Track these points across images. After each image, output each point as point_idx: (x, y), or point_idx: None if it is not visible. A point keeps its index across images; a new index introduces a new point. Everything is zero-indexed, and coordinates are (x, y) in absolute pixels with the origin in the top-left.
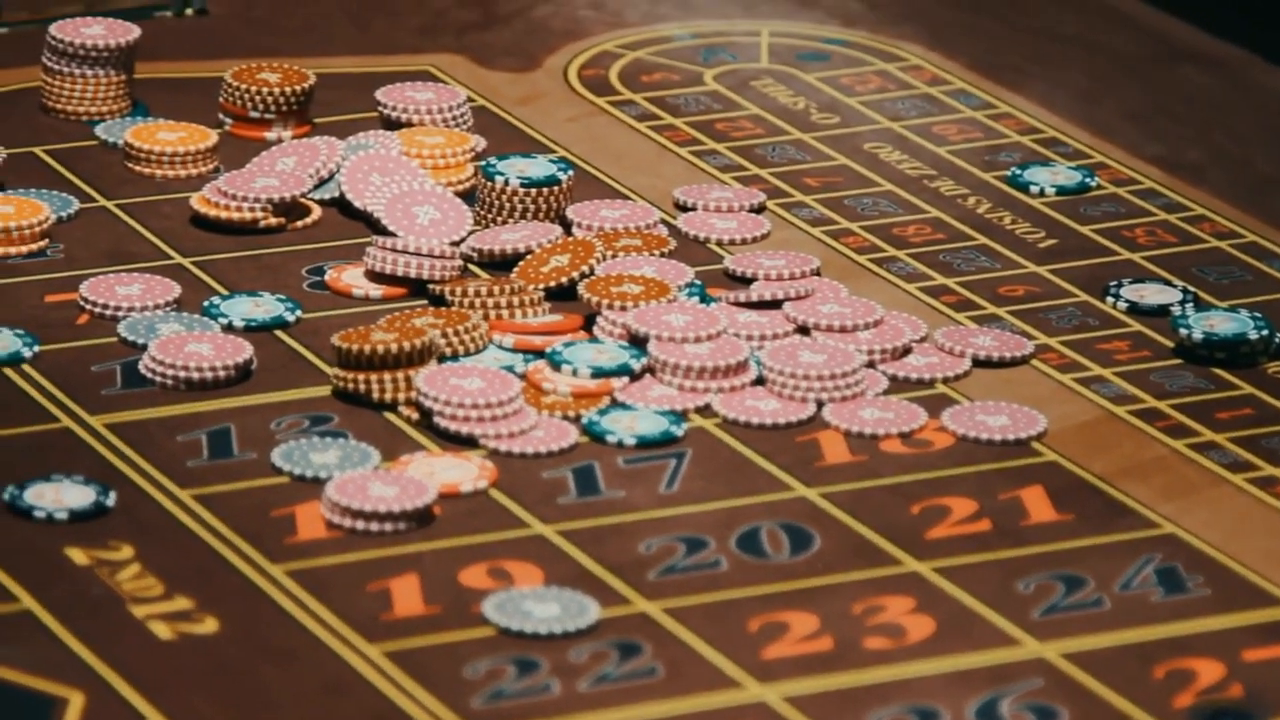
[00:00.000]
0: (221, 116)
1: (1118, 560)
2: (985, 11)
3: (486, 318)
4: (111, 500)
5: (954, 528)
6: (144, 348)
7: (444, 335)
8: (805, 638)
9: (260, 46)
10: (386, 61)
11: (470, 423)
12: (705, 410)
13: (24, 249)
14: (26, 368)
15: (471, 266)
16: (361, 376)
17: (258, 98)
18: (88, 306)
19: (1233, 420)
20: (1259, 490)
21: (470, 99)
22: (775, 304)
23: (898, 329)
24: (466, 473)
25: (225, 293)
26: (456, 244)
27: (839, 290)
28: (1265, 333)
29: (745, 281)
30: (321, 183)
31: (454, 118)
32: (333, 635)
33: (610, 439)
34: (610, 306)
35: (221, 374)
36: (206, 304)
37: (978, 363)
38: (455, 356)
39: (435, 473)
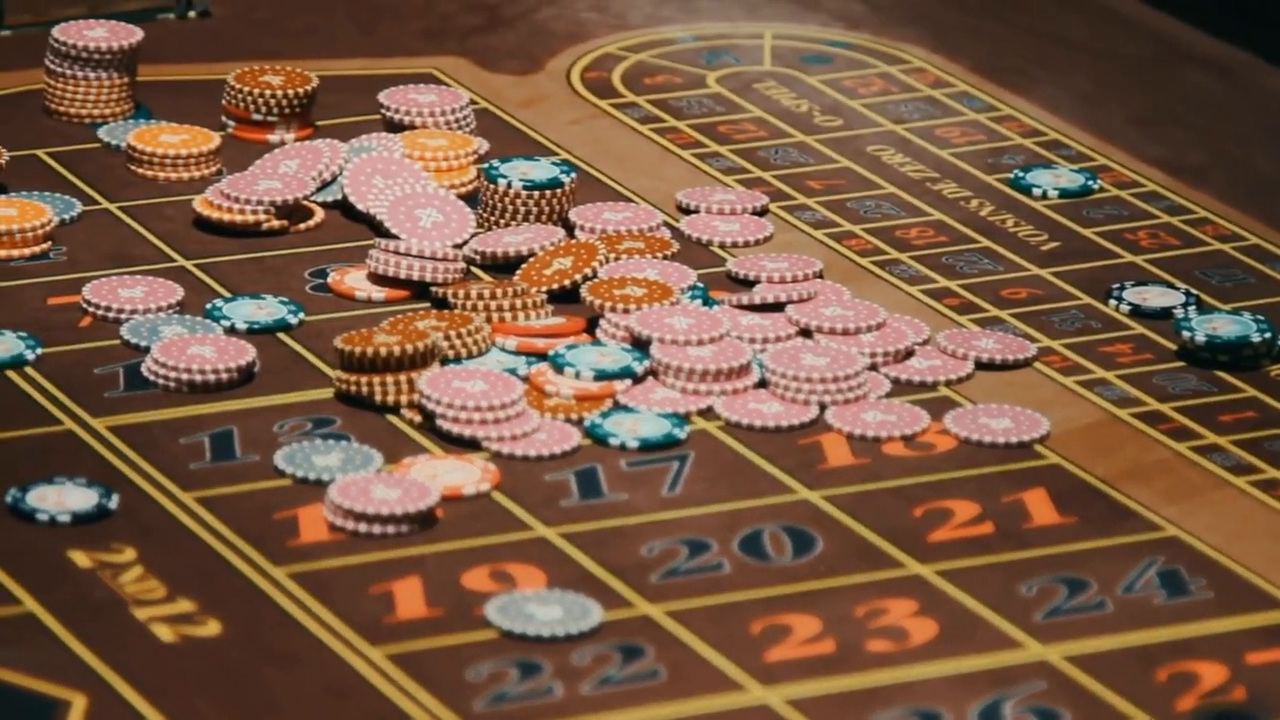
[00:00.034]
0: (224, 119)
1: (1120, 563)
2: (988, 14)
3: (489, 320)
4: (114, 503)
5: (956, 530)
6: (147, 350)
7: (446, 338)
8: (808, 640)
9: (263, 49)
10: (389, 64)
11: (473, 425)
12: (708, 413)
13: (27, 251)
14: (29, 370)
15: (474, 269)
16: (364, 379)
17: (260, 100)
18: (90, 309)
19: (1235, 423)
20: (1262, 493)
21: (473, 101)
22: (778, 307)
23: (900, 331)
24: (469, 475)
25: (228, 295)
26: (459, 246)
27: (842, 293)
28: (1268, 335)
29: (748, 284)
30: (324, 185)
31: (457, 120)
32: (335, 638)
33: (613, 441)
34: (613, 309)
35: (224, 376)
36: (209, 306)
37: (980, 365)
38: (458, 359)
39: (438, 475)
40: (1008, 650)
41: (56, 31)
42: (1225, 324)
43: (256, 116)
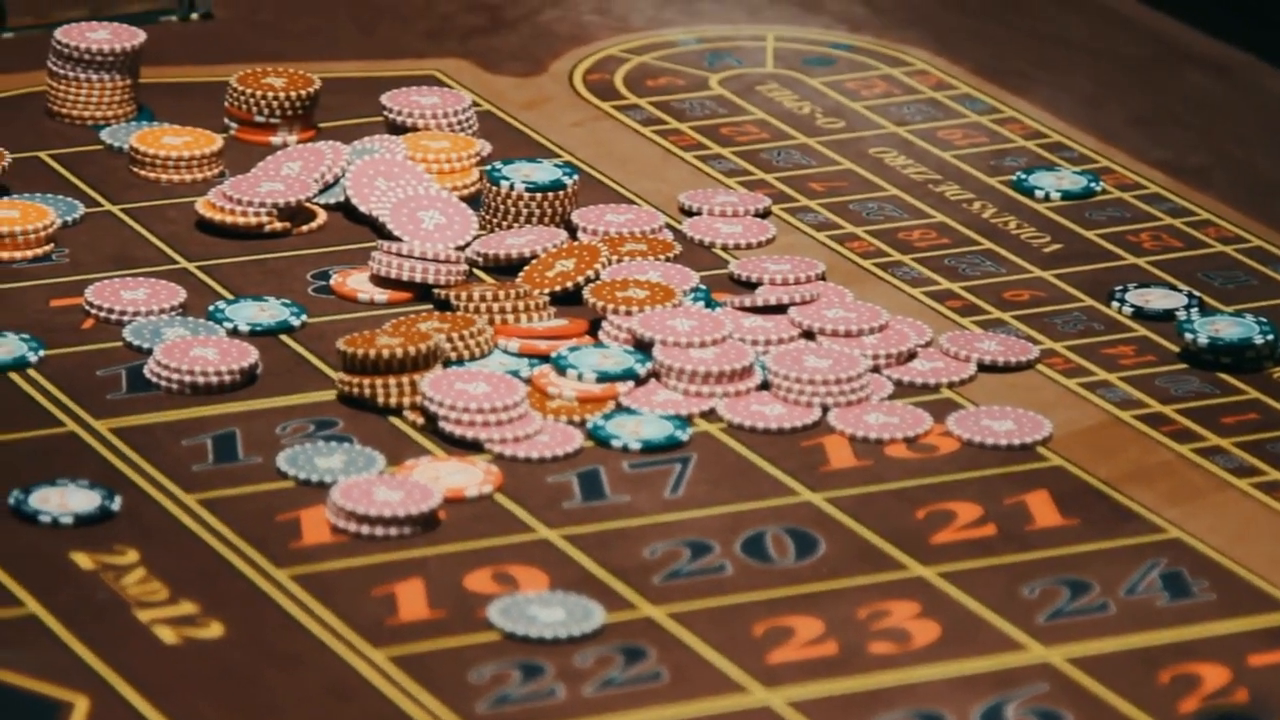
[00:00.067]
0: (227, 121)
1: (1123, 565)
2: (990, 16)
3: (492, 322)
4: (117, 505)
5: (959, 532)
6: (149, 352)
7: (449, 340)
8: (810, 642)
9: (265, 51)
10: (392, 66)
11: (475, 427)
12: (710, 415)
13: (29, 253)
14: (32, 372)
15: (477, 271)
16: (367, 381)
17: (263, 102)
18: (93, 311)
19: (1238, 425)
20: (1264, 495)
21: (475, 104)
22: (780, 309)
23: (903, 334)
24: (471, 477)
25: (230, 297)
26: (462, 248)
27: (844, 295)
28: (1270, 337)
29: (750, 286)
30: (327, 187)
31: (459, 122)
32: (338, 640)
33: (615, 443)
34: (615, 311)
35: (226, 378)
36: (212, 308)
37: (983, 367)
38: (460, 361)
39: (440, 477)
40: (1010, 652)
41: (59, 34)
42: (1228, 326)
43: (259, 118)
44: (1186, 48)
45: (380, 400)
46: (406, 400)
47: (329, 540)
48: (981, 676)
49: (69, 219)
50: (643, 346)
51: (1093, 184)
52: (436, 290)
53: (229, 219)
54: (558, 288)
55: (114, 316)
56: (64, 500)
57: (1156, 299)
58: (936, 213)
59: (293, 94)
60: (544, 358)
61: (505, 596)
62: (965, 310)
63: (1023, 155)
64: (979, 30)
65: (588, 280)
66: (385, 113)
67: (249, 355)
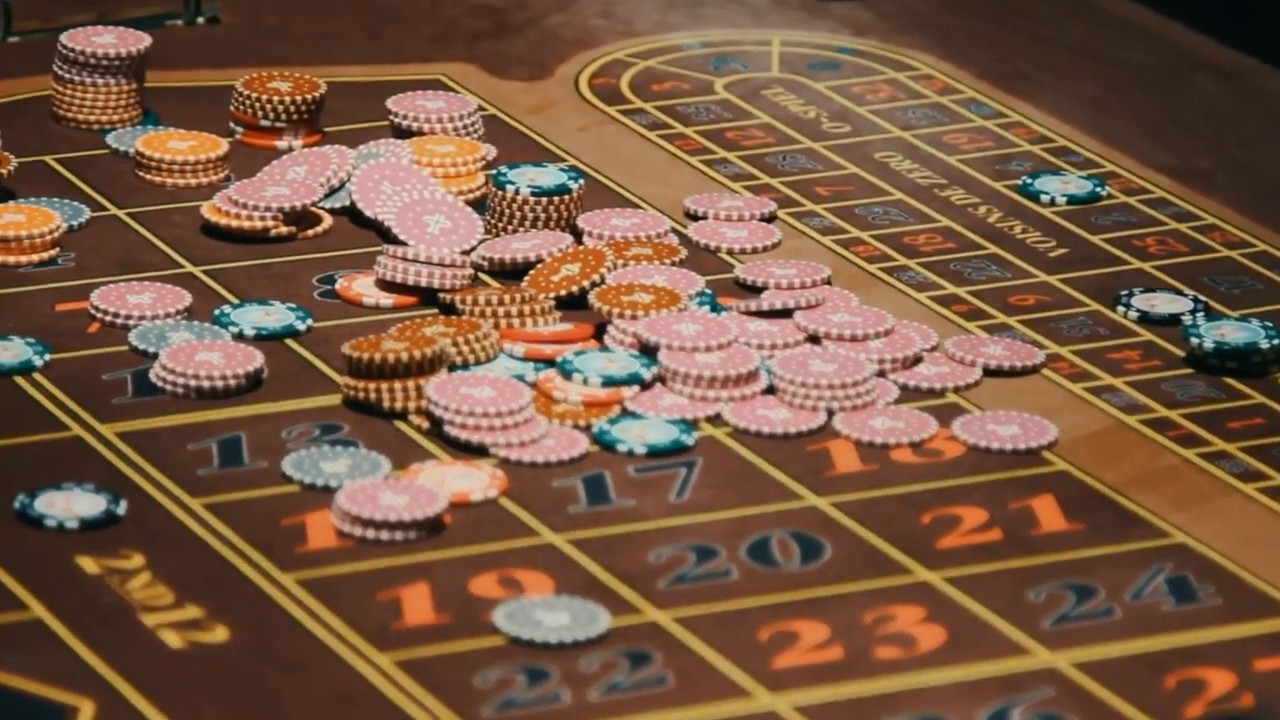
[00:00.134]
0: (232, 125)
1: (1129, 570)
2: (996, 21)
3: (497, 326)
4: (122, 509)
5: (965, 537)
6: (155, 356)
7: (454, 344)
8: (815, 647)
9: (271, 55)
10: (397, 70)
11: (481, 431)
12: (716, 419)
13: (35, 258)
14: (38, 376)
15: (482, 275)
16: (372, 385)
17: (269, 106)
18: (99, 315)
19: (1244, 430)
20: (1270, 500)
21: (481, 108)
22: (786, 313)
23: (908, 338)
24: (477, 481)
25: (236, 301)
26: (467, 253)
27: (850, 299)
28: (1276, 342)
29: (756, 290)
30: (332, 191)
31: (465, 126)
32: (343, 644)
33: (621, 448)
34: (621, 315)
35: (232, 383)
36: (217, 313)
37: (988, 372)
38: (466, 365)
39: (446, 481)
40: (1016, 657)
41: (65, 38)
42: (1233, 330)
43: (264, 123)
44: (1192, 53)
45: (386, 405)
46: (412, 404)
47: (334, 544)
48: (987, 681)
49: (74, 223)
50: (648, 351)
51: (1098, 188)
52: (442, 294)
53: (234, 223)
54: (563, 292)
55: (119, 321)
56: (69, 504)
57: (1162, 303)
58: (942, 217)
59: (298, 98)
60: (549, 362)
61: (510, 601)
62: (971, 315)
63: (1028, 160)
64: (984, 34)
65: (593, 284)
66: (391, 117)
67: (254, 359)
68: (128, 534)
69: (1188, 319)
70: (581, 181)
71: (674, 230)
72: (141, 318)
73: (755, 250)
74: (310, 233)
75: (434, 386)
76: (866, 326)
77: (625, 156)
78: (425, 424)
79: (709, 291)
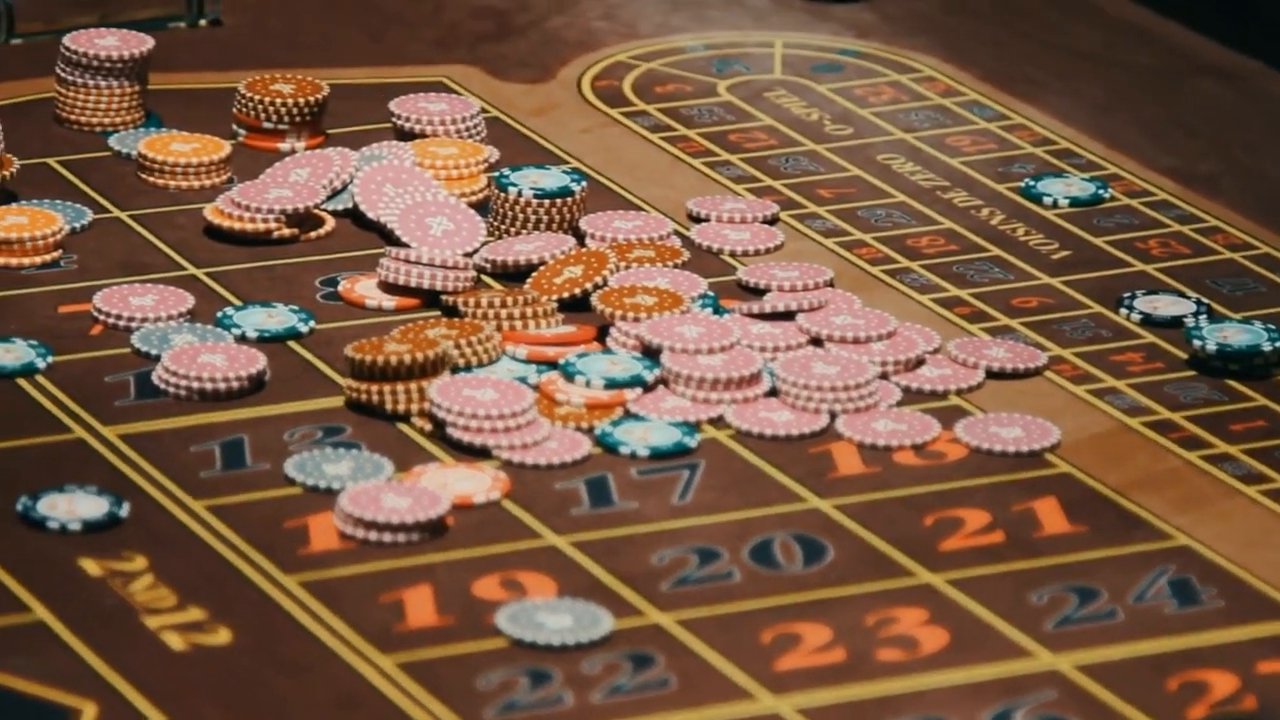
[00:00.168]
0: (235, 127)
1: (1131, 572)
2: (999, 23)
3: (499, 329)
4: (124, 511)
5: (967, 539)
6: (157, 358)
7: (457, 346)
8: (818, 649)
9: (274, 58)
10: (400, 72)
11: (483, 434)
12: (718, 422)
13: (38, 260)
14: (40, 378)
15: (485, 278)
16: (375, 387)
17: (271, 109)
18: (101, 317)
19: (1247, 432)
20: (1273, 502)
21: (484, 110)
22: (788, 315)
23: (911, 340)
24: (479, 484)
25: (238, 304)
26: (470, 255)
27: (852, 301)
28: (1279, 344)
29: (758, 293)
30: (335, 194)
31: (467, 129)
32: (345, 646)
33: (623, 450)
34: (623, 318)
35: (235, 385)
36: (220, 315)
37: (991, 374)
38: (468, 367)
39: (448, 484)
40: (1018, 659)
41: (67, 40)
42: (1236, 333)
43: (267, 125)
44: (1195, 55)
45: (388, 407)
46: (415, 407)
47: (337, 546)
48: (990, 683)
49: (77, 225)
50: (651, 353)
51: (1101, 191)
52: (444, 296)
53: (237, 225)
54: (566, 294)
55: (122, 323)
56: (72, 506)
57: (1165, 306)
58: (945, 219)
59: (301, 100)
60: (552, 364)
61: (513, 603)
62: (973, 317)
63: (1031, 162)
64: (987, 37)
65: (596, 287)
66: (393, 119)
67: (257, 361)
68: (130, 536)
69: (1190, 321)
70: (584, 184)
71: (676, 232)
72: (144, 320)
73: (758, 252)
74: (313, 235)
75: (436, 389)
76: (869, 329)
77: (628, 159)
78: (428, 426)
79: (711, 294)
